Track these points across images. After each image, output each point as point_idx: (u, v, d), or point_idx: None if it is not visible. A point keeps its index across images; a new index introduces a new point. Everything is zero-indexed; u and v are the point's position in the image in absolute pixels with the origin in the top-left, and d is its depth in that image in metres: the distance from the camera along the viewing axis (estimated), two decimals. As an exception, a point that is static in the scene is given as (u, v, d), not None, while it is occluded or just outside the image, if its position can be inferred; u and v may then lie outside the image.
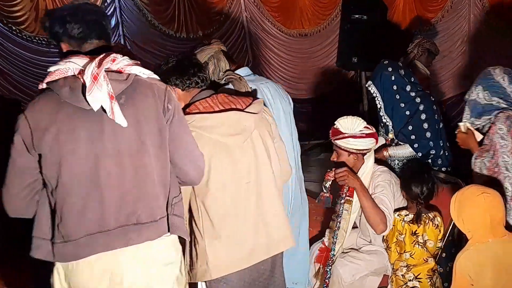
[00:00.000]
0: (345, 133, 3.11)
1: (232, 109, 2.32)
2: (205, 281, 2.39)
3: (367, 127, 3.12)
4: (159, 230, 2.04)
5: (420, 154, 3.65)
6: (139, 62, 2.01)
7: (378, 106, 3.74)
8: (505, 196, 2.67)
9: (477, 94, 2.92)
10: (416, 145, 3.64)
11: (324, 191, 3.08)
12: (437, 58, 6.03)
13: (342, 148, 3.14)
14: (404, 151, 3.70)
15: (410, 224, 3.13)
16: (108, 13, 6.92)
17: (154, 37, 7.17)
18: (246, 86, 2.65)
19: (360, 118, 3.17)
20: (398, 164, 3.74)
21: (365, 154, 3.14)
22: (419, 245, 3.12)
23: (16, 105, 4.20)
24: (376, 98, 3.73)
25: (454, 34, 8.36)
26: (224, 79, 2.70)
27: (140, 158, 2.00)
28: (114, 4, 6.96)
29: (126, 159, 1.97)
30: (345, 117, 3.15)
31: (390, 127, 3.74)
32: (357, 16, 7.05)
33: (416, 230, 3.12)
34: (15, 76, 6.46)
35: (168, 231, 2.07)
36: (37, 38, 6.51)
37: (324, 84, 8.06)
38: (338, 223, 3.06)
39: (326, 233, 3.30)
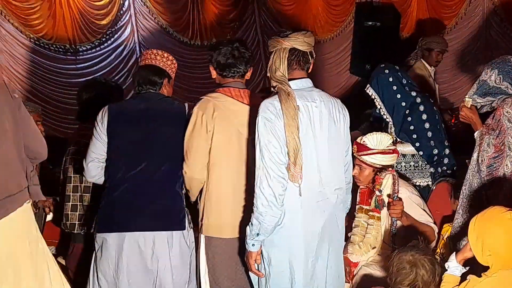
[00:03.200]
0: (374, 149, 3.13)
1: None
2: (205, 236, 2.91)
3: (392, 144, 3.19)
4: (24, 198, 2.47)
5: (421, 153, 3.74)
6: None
7: (378, 107, 3.85)
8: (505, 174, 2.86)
9: (490, 76, 3.03)
10: (417, 144, 3.75)
11: (378, 193, 3.13)
12: (451, 64, 6.08)
13: (368, 163, 3.16)
14: (409, 148, 3.78)
15: None
16: (124, 21, 7.02)
17: (169, 44, 7.24)
18: (292, 101, 2.37)
19: (387, 134, 3.22)
20: (404, 167, 3.79)
21: (387, 168, 3.19)
22: None
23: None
24: (375, 100, 3.84)
25: (468, 41, 8.34)
26: (276, 87, 2.44)
27: (4, 143, 2.37)
28: (129, 12, 7.05)
29: None
30: (373, 133, 3.18)
31: (390, 126, 3.83)
32: (370, 23, 7.09)
33: None
34: (32, 83, 6.56)
35: (30, 197, 2.51)
36: (54, 46, 6.61)
37: (337, 91, 8.07)
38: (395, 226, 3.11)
39: (350, 249, 3.29)
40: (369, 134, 3.18)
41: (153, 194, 2.82)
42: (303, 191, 2.44)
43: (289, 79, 2.45)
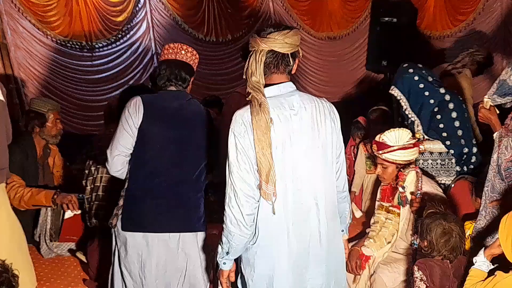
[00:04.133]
0: (394, 146, 3.11)
1: None
2: None
3: (412, 137, 3.16)
4: (3, 176, 2.94)
5: (452, 152, 3.68)
6: None
7: (404, 107, 3.79)
8: None
9: (510, 76, 2.98)
10: (448, 142, 3.68)
11: (402, 190, 3.11)
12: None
13: (390, 161, 3.14)
14: (438, 145, 3.70)
15: None
16: (139, 18, 7.05)
17: (184, 41, 7.22)
18: (264, 113, 2.15)
19: (405, 129, 3.20)
20: (431, 164, 3.74)
21: (410, 163, 3.16)
22: None
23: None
24: (401, 100, 3.79)
25: (486, 37, 8.24)
26: (250, 95, 2.21)
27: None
28: (145, 9, 7.07)
29: None
30: (390, 130, 3.16)
31: (416, 124, 3.76)
32: (386, 19, 7.05)
33: None
34: (49, 79, 6.62)
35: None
36: (70, 43, 6.65)
37: (353, 88, 8.03)
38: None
39: (366, 243, 3.29)
40: (387, 131, 3.16)
41: (181, 196, 2.80)
42: (280, 208, 2.24)
43: (267, 85, 2.24)
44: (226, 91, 6.90)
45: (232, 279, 2.38)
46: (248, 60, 2.24)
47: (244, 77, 2.26)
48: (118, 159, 2.77)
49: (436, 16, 8.05)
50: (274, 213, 2.23)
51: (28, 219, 3.84)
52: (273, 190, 2.19)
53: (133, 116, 2.72)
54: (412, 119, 3.78)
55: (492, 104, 3.05)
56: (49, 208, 3.71)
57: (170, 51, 2.92)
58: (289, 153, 2.23)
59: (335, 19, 7.84)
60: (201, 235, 2.88)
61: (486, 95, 3.08)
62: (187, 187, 2.82)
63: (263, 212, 2.24)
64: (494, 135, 2.97)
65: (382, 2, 7.42)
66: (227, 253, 2.29)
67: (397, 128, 3.21)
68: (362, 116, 5.13)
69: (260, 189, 2.19)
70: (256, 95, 2.16)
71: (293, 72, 2.34)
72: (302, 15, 7.70)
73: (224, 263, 2.33)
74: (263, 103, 2.15)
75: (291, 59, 2.28)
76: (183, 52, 2.92)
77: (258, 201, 2.22)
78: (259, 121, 2.13)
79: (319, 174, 2.30)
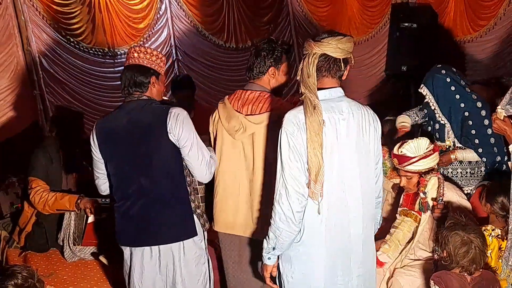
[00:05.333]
0: (415, 157, 3.10)
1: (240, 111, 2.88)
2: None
3: (430, 143, 3.15)
4: None
5: (485, 159, 3.62)
6: None
7: (432, 108, 3.72)
8: None
9: None
10: (480, 150, 3.61)
11: (423, 196, 3.11)
12: (490, 66, 5.96)
13: (414, 172, 3.13)
14: (472, 154, 3.63)
15: (499, 239, 3.02)
16: (161, 24, 7.14)
17: (205, 47, 7.33)
18: (318, 115, 2.22)
19: (422, 138, 3.17)
20: (460, 173, 3.69)
21: (432, 169, 3.16)
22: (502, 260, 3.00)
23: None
24: (429, 100, 3.72)
25: (507, 42, 8.15)
26: (303, 95, 2.27)
27: None
28: (166, 15, 7.16)
29: None
30: (408, 141, 3.15)
31: (447, 129, 3.71)
32: (406, 24, 7.02)
33: (501, 245, 3.01)
34: (72, 86, 6.72)
35: None
36: (93, 49, 6.76)
37: (371, 93, 8.01)
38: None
39: (382, 249, 3.28)
40: (405, 143, 3.14)
41: (156, 209, 2.78)
42: (324, 209, 2.32)
43: (318, 88, 2.29)
44: (246, 96, 6.93)
45: (274, 273, 2.47)
46: (302, 62, 2.30)
47: (297, 78, 2.32)
48: (99, 182, 2.95)
49: (457, 21, 8.00)
50: (319, 213, 2.31)
51: (52, 223, 3.91)
52: (320, 190, 2.26)
53: (92, 143, 2.86)
54: (442, 122, 3.70)
55: (505, 114, 2.98)
56: (72, 213, 3.76)
57: (126, 57, 2.88)
58: (335, 156, 2.31)
59: (355, 25, 7.85)
60: (188, 243, 2.84)
61: (499, 106, 3.01)
62: (159, 198, 2.78)
63: (308, 212, 2.32)
64: (510, 147, 2.91)
65: (402, 8, 7.41)
66: (273, 248, 2.37)
67: (414, 138, 3.19)
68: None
69: (308, 189, 2.27)
70: (310, 96, 2.24)
71: (343, 78, 2.40)
72: (322, 21, 7.72)
73: (269, 258, 2.42)
74: (317, 105, 2.23)
75: (342, 64, 2.34)
76: (135, 54, 2.82)
77: (307, 199, 2.29)
78: (313, 122, 2.22)
79: (362, 178, 2.38)
